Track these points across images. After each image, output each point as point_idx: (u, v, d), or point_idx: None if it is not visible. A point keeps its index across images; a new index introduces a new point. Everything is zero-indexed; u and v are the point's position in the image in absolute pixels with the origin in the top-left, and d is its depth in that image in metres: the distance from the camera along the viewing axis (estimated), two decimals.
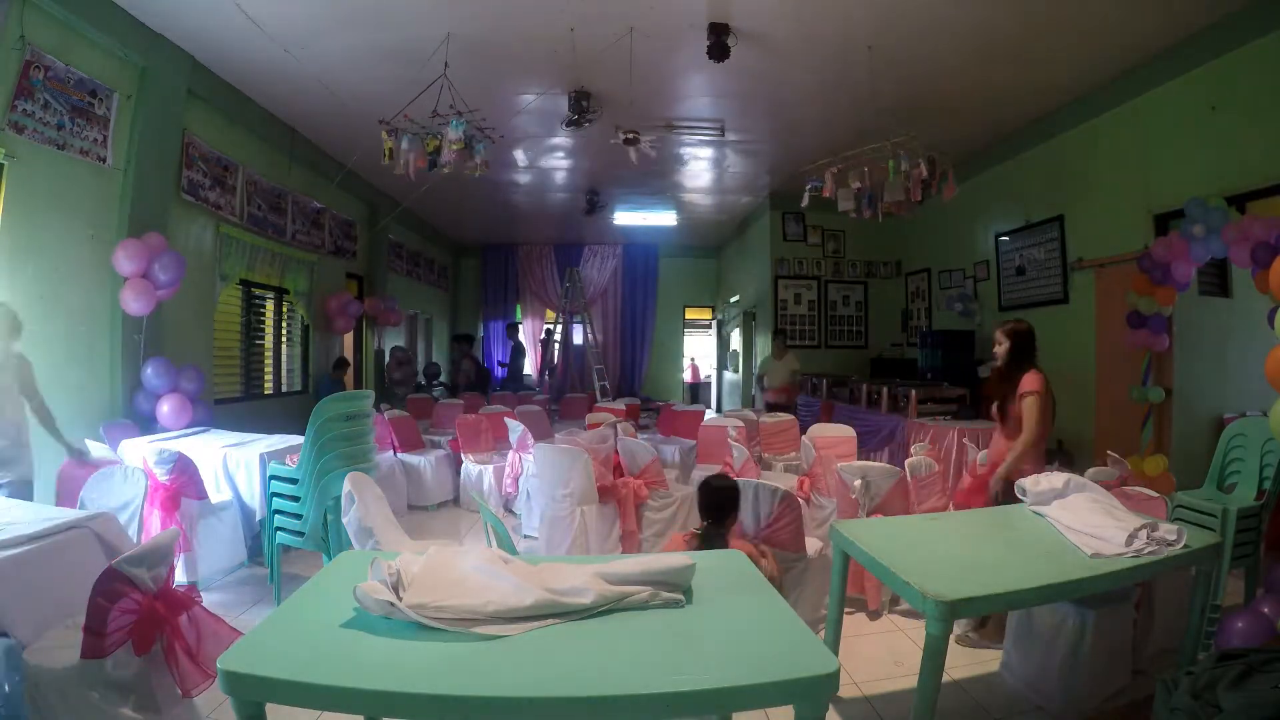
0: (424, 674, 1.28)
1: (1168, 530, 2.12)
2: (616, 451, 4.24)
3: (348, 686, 1.24)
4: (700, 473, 4.53)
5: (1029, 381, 3.12)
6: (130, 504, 2.91)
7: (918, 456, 3.49)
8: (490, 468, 5.08)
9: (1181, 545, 2.07)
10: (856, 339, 9.04)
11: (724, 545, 2.31)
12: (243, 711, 1.28)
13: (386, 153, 4.41)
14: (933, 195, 5.09)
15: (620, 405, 6.76)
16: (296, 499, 3.22)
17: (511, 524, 4.55)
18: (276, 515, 3.30)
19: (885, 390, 6.05)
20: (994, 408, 3.26)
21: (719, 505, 2.49)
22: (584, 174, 7.98)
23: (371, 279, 8.61)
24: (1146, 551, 2.03)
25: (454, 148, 4.28)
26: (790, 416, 5.63)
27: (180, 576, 3.19)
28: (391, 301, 8.42)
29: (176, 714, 1.88)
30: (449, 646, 1.39)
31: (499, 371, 11.60)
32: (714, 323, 12.97)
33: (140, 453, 3.42)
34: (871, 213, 5.18)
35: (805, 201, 5.37)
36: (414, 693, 1.23)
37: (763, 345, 9.00)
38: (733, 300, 11.45)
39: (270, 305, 6.35)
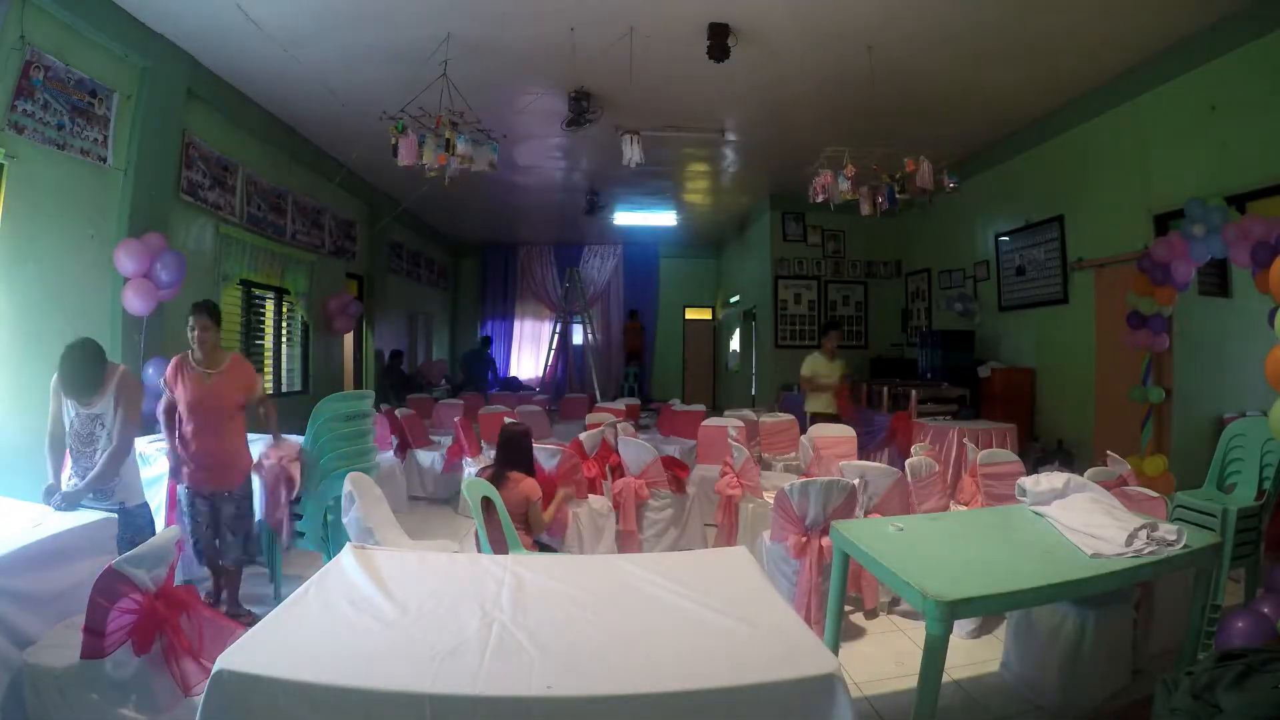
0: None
1: (1167, 530, 2.12)
2: (617, 452, 4.24)
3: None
4: (701, 472, 4.54)
5: None
6: (158, 480, 3.11)
7: (918, 457, 3.49)
8: None
9: (1181, 545, 2.07)
10: (856, 339, 9.03)
11: (504, 480, 2.87)
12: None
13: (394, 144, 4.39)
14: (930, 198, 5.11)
15: (620, 405, 6.77)
16: (298, 499, 3.22)
17: None
18: None
19: (885, 390, 6.04)
20: None
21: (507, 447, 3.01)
22: (584, 174, 7.98)
23: (371, 279, 8.61)
24: (1146, 552, 2.03)
25: (462, 164, 4.31)
26: (789, 416, 5.60)
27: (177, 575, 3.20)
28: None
29: (177, 714, 1.88)
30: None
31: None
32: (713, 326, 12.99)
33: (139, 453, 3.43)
34: (883, 206, 5.18)
35: (818, 196, 5.29)
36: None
37: (758, 343, 9.03)
38: (733, 300, 11.45)
39: (270, 305, 6.35)
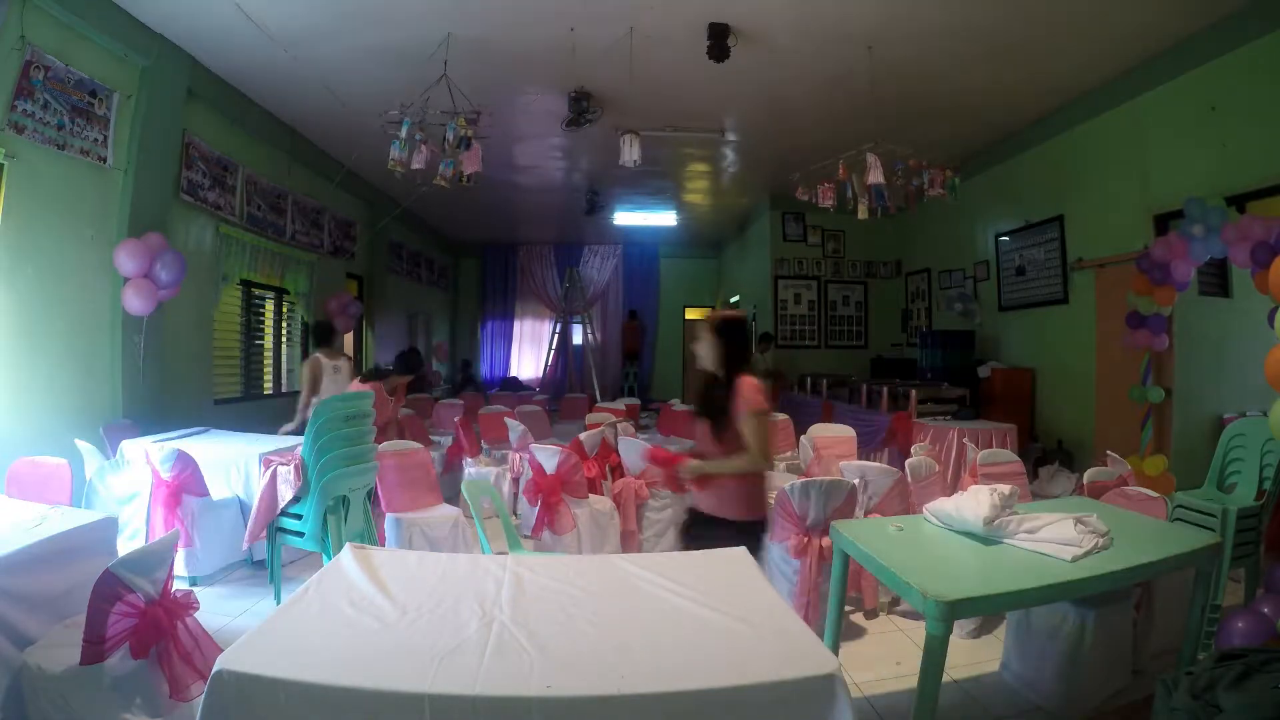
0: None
1: (1096, 523, 2.10)
2: (617, 452, 4.24)
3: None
4: None
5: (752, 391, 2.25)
6: (136, 496, 3.07)
7: (918, 457, 3.49)
8: (495, 470, 5.07)
9: (1106, 531, 2.06)
10: (856, 339, 9.04)
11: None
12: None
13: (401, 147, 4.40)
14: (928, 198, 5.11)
15: (620, 405, 6.77)
16: (297, 499, 3.22)
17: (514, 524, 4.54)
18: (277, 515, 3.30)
19: (885, 390, 6.05)
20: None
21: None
22: (584, 174, 7.98)
23: (371, 279, 8.61)
24: (1097, 548, 2.01)
25: (450, 150, 4.32)
26: (784, 416, 5.67)
27: (181, 569, 3.21)
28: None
29: (177, 714, 1.88)
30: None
31: None
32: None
33: (142, 451, 3.43)
34: (879, 208, 5.17)
35: (827, 200, 5.33)
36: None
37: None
38: (733, 300, 11.45)
39: (270, 305, 6.35)
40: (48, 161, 3.68)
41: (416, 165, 4.44)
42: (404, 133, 4.34)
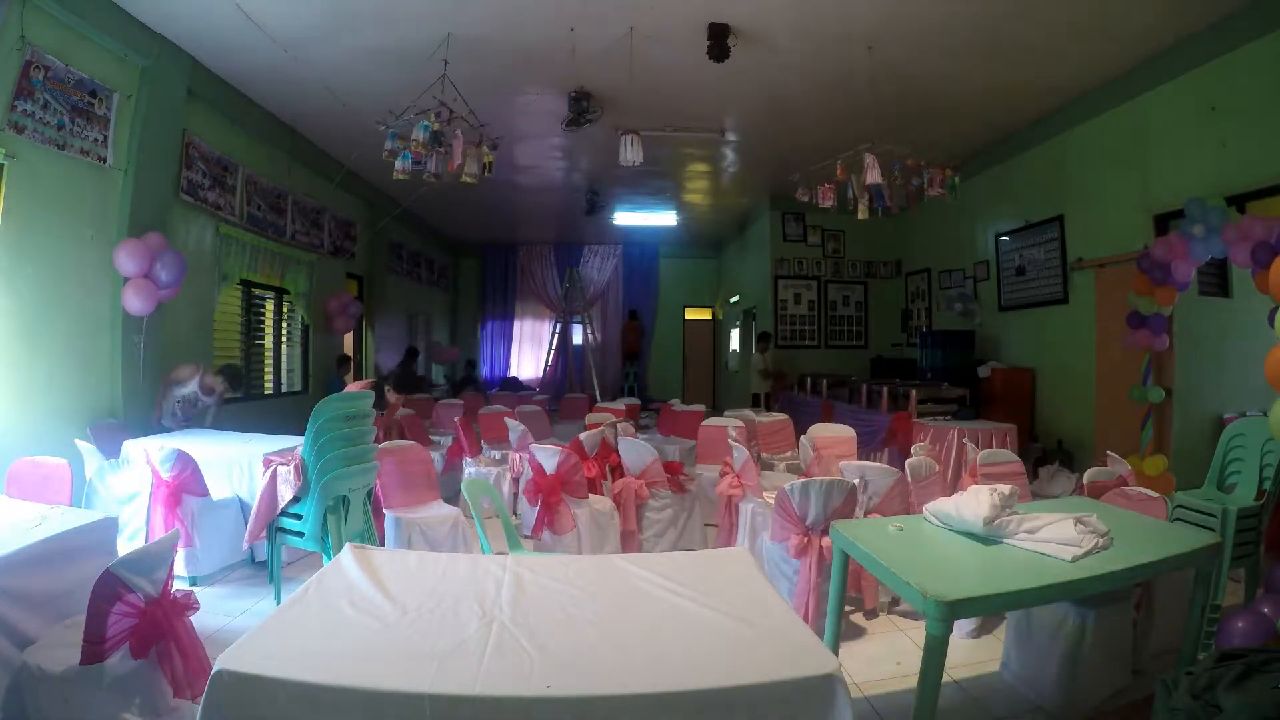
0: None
1: (1095, 523, 2.10)
2: (617, 452, 4.23)
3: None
4: (701, 472, 4.54)
5: None
6: (137, 496, 3.09)
7: (918, 457, 3.48)
8: (495, 470, 5.07)
9: (1107, 531, 2.06)
10: (856, 339, 9.05)
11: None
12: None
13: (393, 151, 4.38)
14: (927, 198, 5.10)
15: (620, 405, 6.76)
16: (297, 499, 3.22)
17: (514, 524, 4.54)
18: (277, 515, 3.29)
19: (885, 390, 6.05)
20: None
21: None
22: (584, 174, 7.99)
23: (371, 279, 8.61)
24: (1098, 547, 2.01)
25: (417, 147, 4.24)
26: (784, 416, 5.67)
27: (181, 569, 3.21)
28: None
29: (177, 715, 1.88)
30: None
31: None
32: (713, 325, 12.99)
33: (143, 451, 3.43)
34: (879, 208, 5.16)
35: (827, 201, 5.33)
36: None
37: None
38: (733, 300, 11.46)
39: (270, 305, 6.35)
40: (48, 161, 3.68)
41: (432, 170, 4.42)
42: (389, 145, 4.32)
